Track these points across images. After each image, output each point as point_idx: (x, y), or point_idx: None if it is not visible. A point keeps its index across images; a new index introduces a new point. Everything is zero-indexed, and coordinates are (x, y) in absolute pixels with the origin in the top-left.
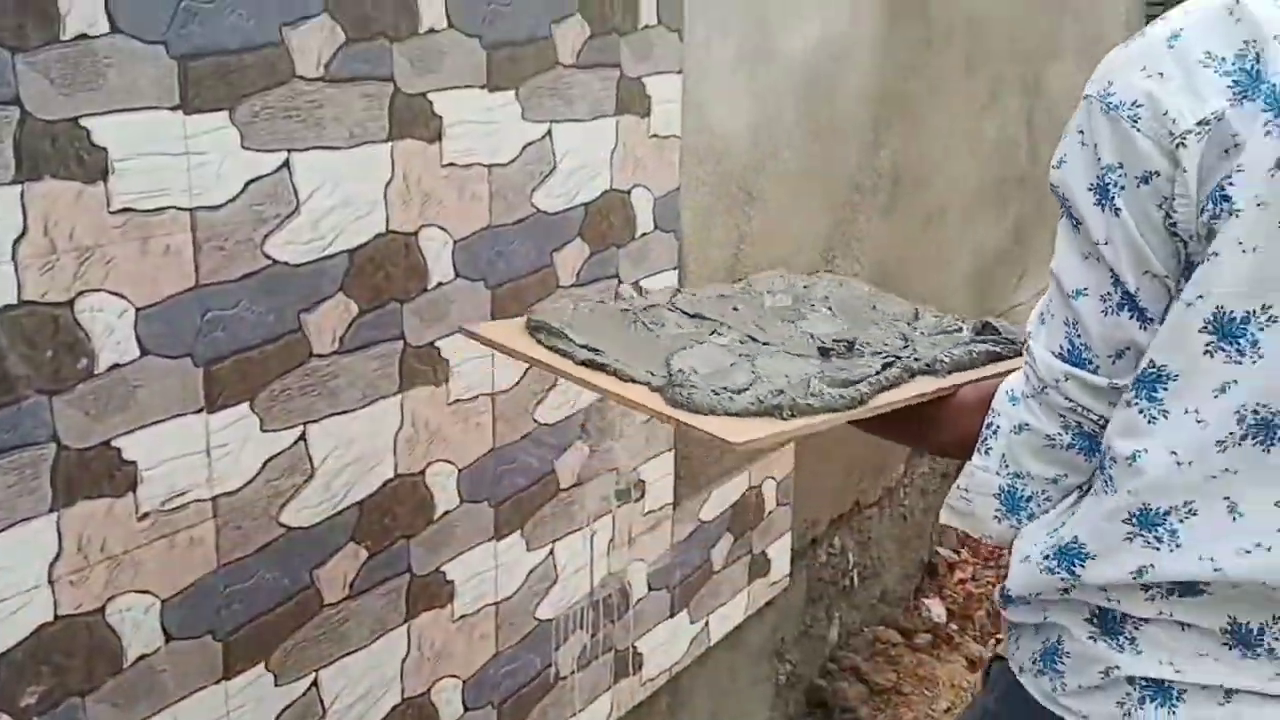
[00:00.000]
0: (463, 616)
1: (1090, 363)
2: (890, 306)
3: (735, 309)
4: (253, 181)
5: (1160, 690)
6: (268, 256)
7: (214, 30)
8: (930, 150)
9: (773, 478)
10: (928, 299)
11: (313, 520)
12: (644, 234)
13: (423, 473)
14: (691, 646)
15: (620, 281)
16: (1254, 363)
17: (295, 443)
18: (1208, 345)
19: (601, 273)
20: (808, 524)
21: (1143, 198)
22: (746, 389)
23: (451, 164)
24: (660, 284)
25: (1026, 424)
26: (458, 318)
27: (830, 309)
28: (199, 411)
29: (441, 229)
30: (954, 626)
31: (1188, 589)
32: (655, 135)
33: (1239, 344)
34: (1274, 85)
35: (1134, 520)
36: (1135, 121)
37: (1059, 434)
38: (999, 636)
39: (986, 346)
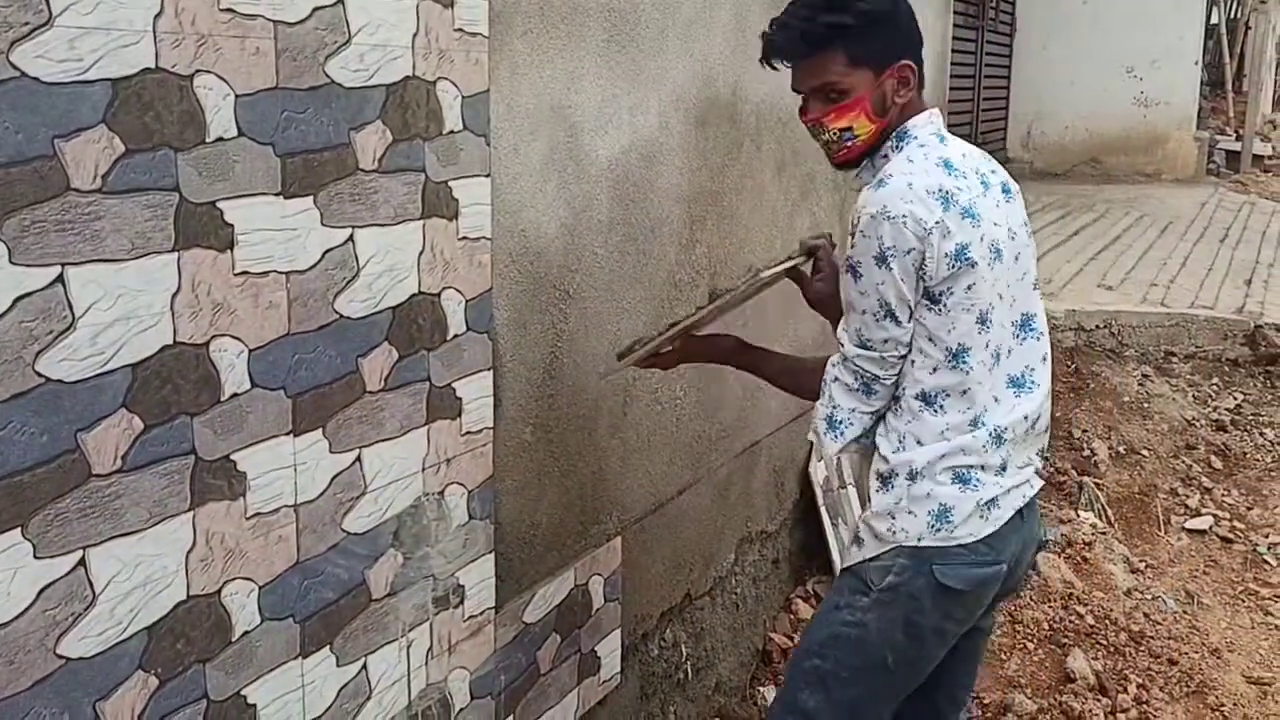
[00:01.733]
0: None
1: (870, 346)
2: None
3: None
4: (22, 298)
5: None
6: (40, 375)
7: None
8: (746, 245)
9: (599, 574)
10: (752, 391)
11: (95, 650)
12: (456, 335)
13: (218, 592)
14: None
15: (431, 385)
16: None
17: (74, 568)
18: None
19: (412, 376)
20: (638, 618)
21: (906, 261)
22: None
23: (245, 272)
24: (475, 386)
25: (838, 378)
26: (255, 429)
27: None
28: None
29: (235, 339)
30: None
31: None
32: (465, 238)
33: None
34: (961, 206)
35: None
36: (904, 223)
37: (854, 383)
38: None
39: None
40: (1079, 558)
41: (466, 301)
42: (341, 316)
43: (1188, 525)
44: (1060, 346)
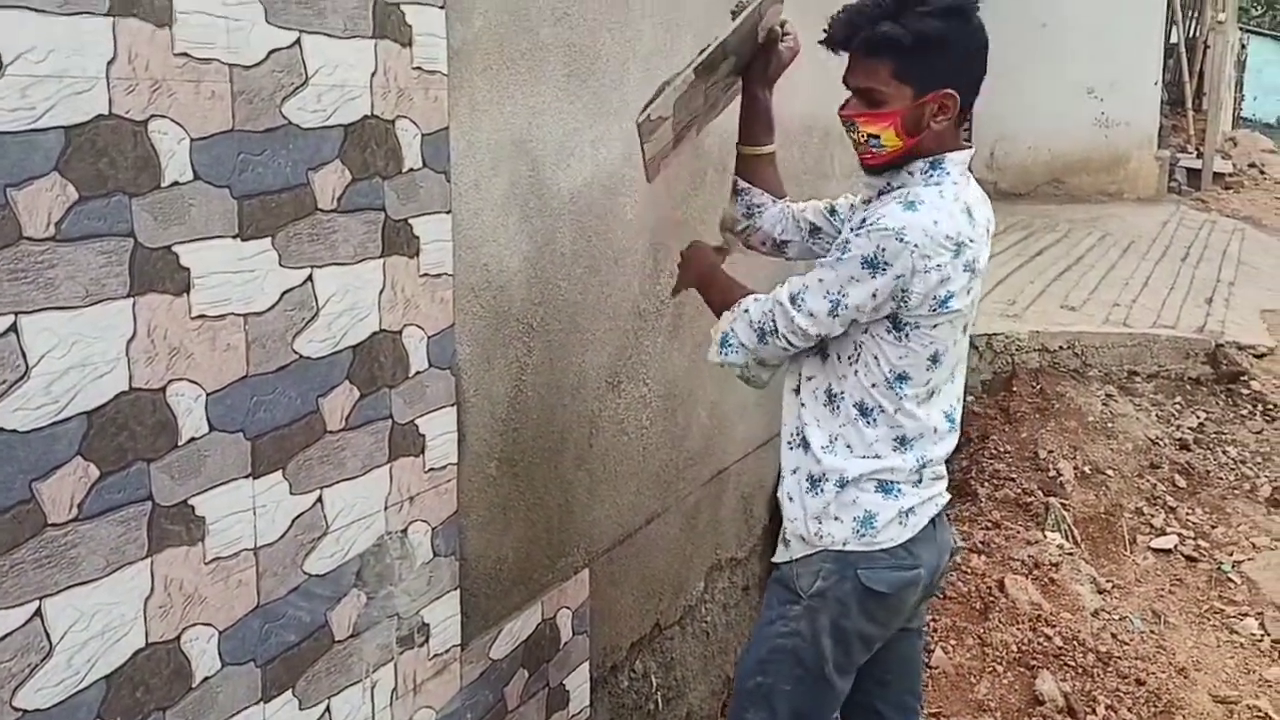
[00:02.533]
0: None
1: (798, 306)
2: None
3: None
4: None
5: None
6: None
7: None
8: None
9: (568, 608)
10: (719, 419)
11: (52, 701)
12: (418, 372)
13: (178, 639)
14: None
15: (394, 423)
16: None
17: (30, 619)
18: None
19: (374, 414)
20: (607, 650)
21: (890, 282)
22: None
23: (202, 316)
24: (438, 422)
25: (749, 310)
26: (214, 473)
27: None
28: None
29: (193, 383)
30: None
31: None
32: (426, 274)
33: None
34: (967, 258)
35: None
36: (912, 251)
37: (756, 322)
38: None
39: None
40: (1046, 579)
41: (429, 338)
42: (301, 357)
43: (1153, 544)
44: (1025, 368)
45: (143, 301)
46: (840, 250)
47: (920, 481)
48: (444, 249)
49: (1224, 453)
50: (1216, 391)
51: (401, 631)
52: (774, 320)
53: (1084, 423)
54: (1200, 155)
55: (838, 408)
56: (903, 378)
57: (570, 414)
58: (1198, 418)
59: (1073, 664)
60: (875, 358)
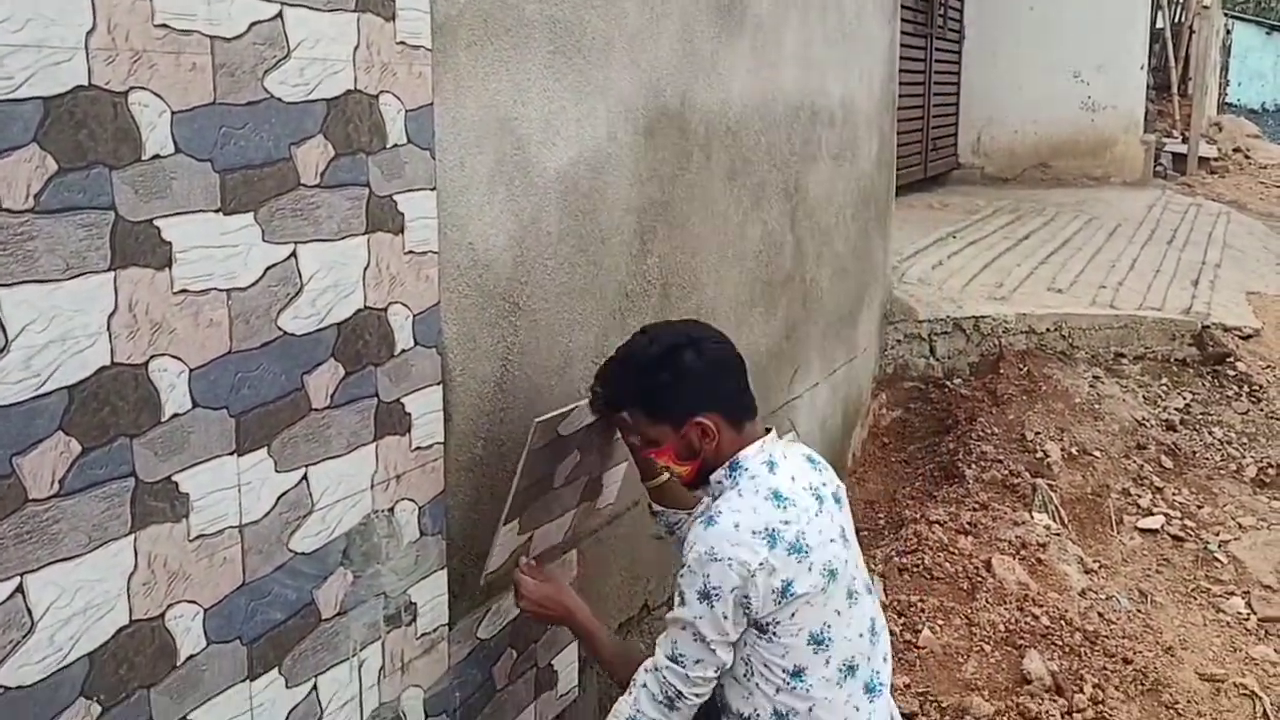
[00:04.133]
0: None
1: (681, 663)
2: None
3: None
4: None
5: None
6: None
7: None
8: (697, 255)
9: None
10: None
11: (34, 678)
12: (404, 350)
13: (162, 616)
14: None
15: (379, 401)
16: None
17: (11, 596)
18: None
19: (359, 393)
20: None
21: (729, 599)
22: None
23: (185, 291)
24: (424, 401)
25: (646, 684)
26: (198, 449)
27: None
28: None
29: (175, 358)
30: None
31: None
32: (411, 252)
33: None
34: (788, 542)
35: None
36: (730, 565)
37: (659, 695)
38: None
39: None
40: (1033, 559)
41: (414, 316)
42: (285, 333)
43: (1140, 525)
44: (1012, 350)
45: (124, 275)
46: (679, 598)
47: None
48: (429, 226)
49: (1210, 433)
50: (1203, 373)
51: (389, 610)
52: (671, 685)
53: (1071, 404)
54: (1186, 140)
55: None
56: (798, 672)
57: (557, 394)
58: (1184, 399)
59: (1060, 643)
60: (765, 665)
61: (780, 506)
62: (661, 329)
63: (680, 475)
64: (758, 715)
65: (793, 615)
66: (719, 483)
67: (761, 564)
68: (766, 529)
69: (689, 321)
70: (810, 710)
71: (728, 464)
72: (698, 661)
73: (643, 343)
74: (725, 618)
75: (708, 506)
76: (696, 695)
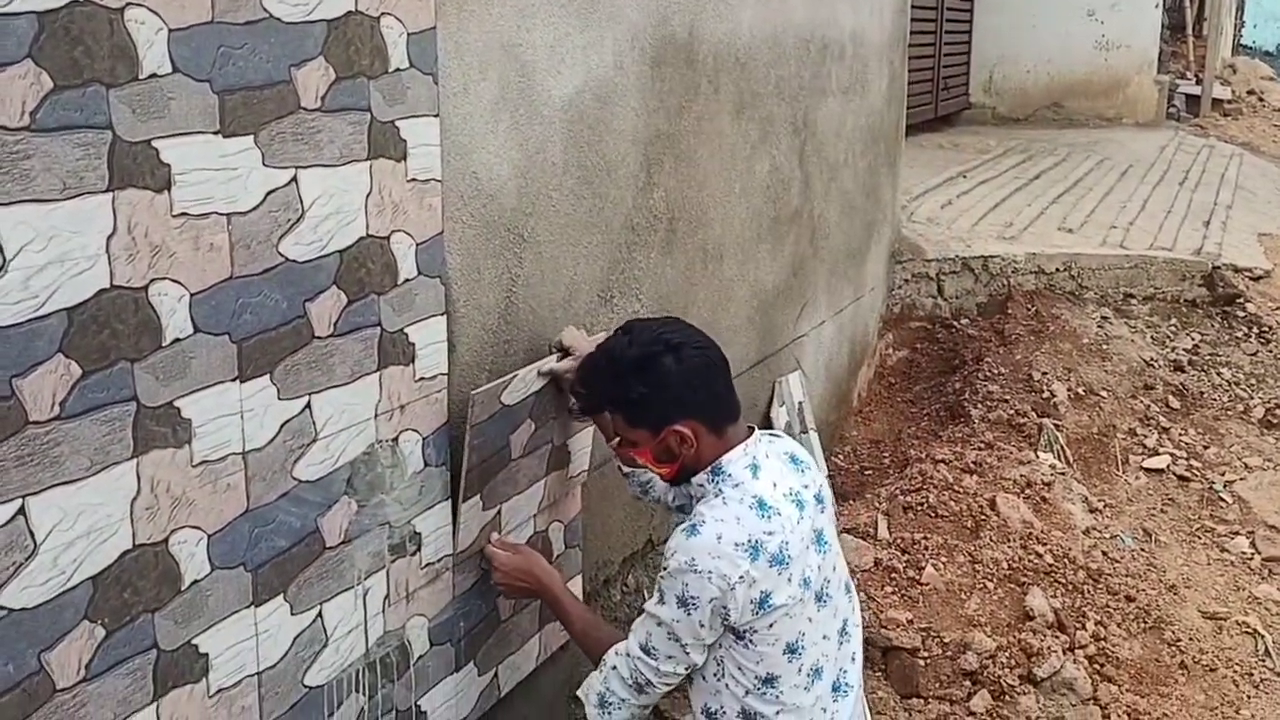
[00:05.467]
0: (220, 690)
1: (652, 655)
2: None
3: None
4: None
5: None
6: None
7: None
8: (704, 189)
9: (560, 521)
10: (712, 336)
11: (38, 600)
12: (407, 280)
13: (165, 541)
14: (480, 700)
15: (383, 330)
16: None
17: (13, 517)
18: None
19: (362, 321)
20: (599, 564)
21: (707, 609)
22: None
23: (184, 214)
24: (427, 331)
25: (616, 667)
26: (200, 375)
27: None
28: None
29: (176, 282)
30: None
31: None
32: (414, 180)
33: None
34: (770, 553)
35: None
36: (709, 578)
37: (629, 679)
38: None
39: None
40: (1038, 498)
41: (417, 245)
42: (286, 260)
43: (1146, 465)
44: (1020, 290)
45: (123, 196)
46: (658, 596)
47: None
48: (432, 154)
49: (1218, 374)
50: (1212, 314)
51: (393, 540)
52: (642, 673)
53: (1079, 344)
54: (1199, 81)
55: None
56: (770, 680)
57: (561, 327)
58: (1193, 339)
59: (1063, 581)
60: (739, 667)
61: (764, 516)
62: (642, 330)
63: (664, 473)
64: (723, 712)
65: (770, 625)
66: (701, 485)
67: (742, 577)
68: (750, 540)
69: (671, 322)
70: (777, 715)
71: (710, 468)
72: (669, 657)
73: (622, 344)
74: (702, 625)
75: (691, 513)
76: (665, 685)
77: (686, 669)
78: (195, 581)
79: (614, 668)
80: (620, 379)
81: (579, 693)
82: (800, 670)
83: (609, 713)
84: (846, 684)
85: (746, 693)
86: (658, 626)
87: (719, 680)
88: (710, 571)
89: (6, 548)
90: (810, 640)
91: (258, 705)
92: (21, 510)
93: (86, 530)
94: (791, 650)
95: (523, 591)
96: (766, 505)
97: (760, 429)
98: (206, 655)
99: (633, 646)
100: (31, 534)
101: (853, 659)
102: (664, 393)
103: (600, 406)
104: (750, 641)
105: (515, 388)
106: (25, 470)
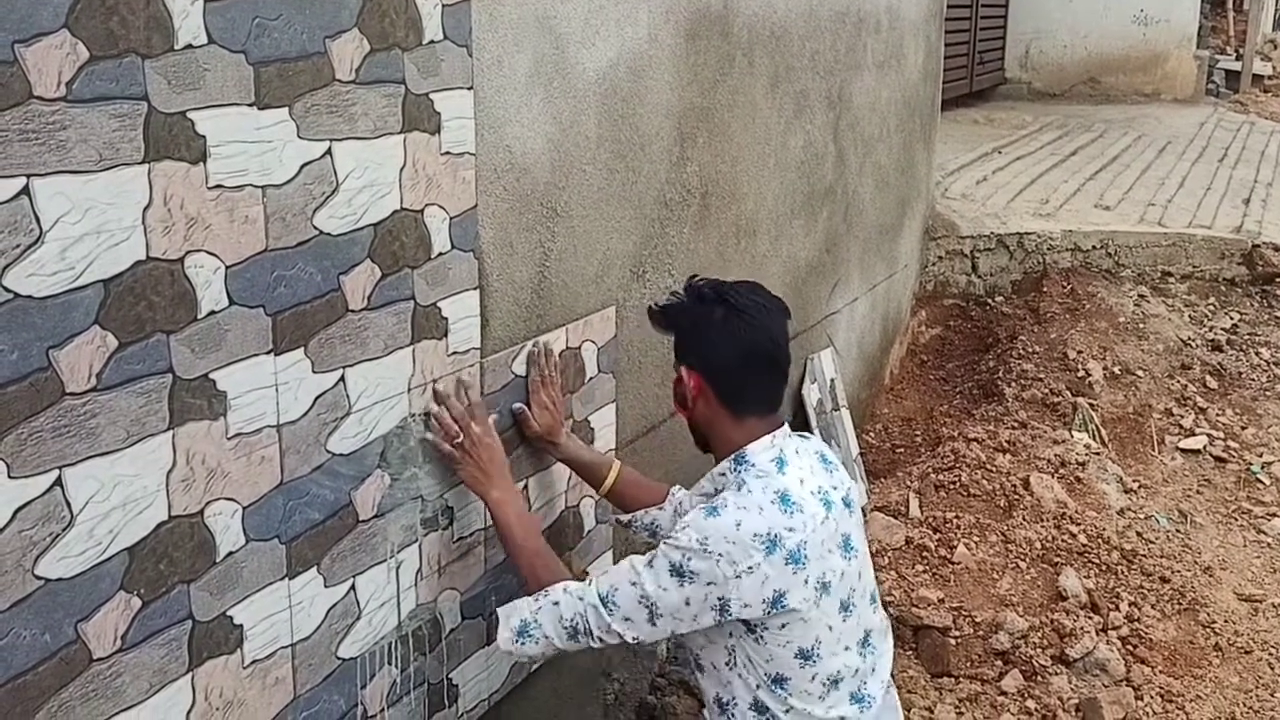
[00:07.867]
0: (254, 661)
1: (610, 609)
2: None
3: None
4: None
5: None
6: (7, 290)
7: None
8: (738, 164)
9: (591, 497)
10: None
11: (74, 570)
12: (441, 254)
13: (201, 513)
14: (511, 674)
15: (416, 304)
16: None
17: (50, 488)
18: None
19: (396, 295)
20: (630, 540)
21: (700, 590)
22: None
23: (219, 186)
24: (461, 305)
25: (559, 602)
26: (235, 348)
27: None
28: None
29: (211, 254)
30: None
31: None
32: (448, 153)
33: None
34: (787, 550)
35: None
36: (717, 562)
37: (567, 620)
38: None
39: None
40: (1072, 478)
41: (450, 219)
42: (321, 233)
43: (1182, 445)
44: (1056, 268)
45: (158, 168)
46: (649, 559)
47: None
48: (466, 127)
49: (1257, 354)
50: (1251, 293)
51: (426, 514)
52: (586, 621)
53: (1115, 323)
54: (1239, 57)
55: (735, 713)
56: (779, 680)
57: (594, 302)
58: (1231, 319)
59: (1097, 561)
60: (749, 659)
61: (787, 511)
62: (737, 285)
63: (687, 422)
64: (735, 702)
65: (783, 627)
66: (722, 475)
67: (751, 569)
68: (769, 534)
69: (764, 303)
70: (785, 715)
71: (733, 456)
72: (626, 619)
73: (714, 283)
74: (687, 603)
75: (714, 495)
76: (598, 644)
77: (632, 639)
78: (230, 553)
79: (555, 603)
80: (684, 305)
81: (499, 610)
82: (814, 678)
83: (522, 642)
84: (868, 695)
85: (758, 686)
86: (631, 586)
87: (731, 670)
88: (720, 555)
89: (44, 518)
90: (828, 649)
91: (291, 676)
92: (59, 481)
93: (123, 501)
94: (805, 656)
95: (475, 481)
96: (790, 500)
97: (791, 406)
98: (241, 626)
99: (589, 593)
100: (68, 505)
101: (874, 671)
102: (698, 331)
103: (665, 321)
104: (761, 638)
105: (523, 359)
106: (62, 441)
